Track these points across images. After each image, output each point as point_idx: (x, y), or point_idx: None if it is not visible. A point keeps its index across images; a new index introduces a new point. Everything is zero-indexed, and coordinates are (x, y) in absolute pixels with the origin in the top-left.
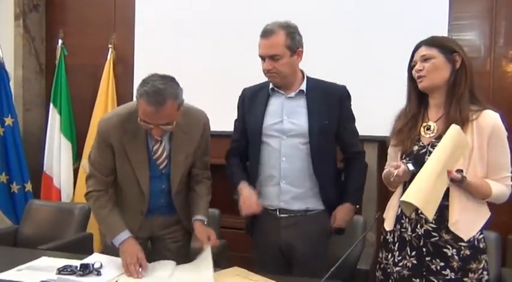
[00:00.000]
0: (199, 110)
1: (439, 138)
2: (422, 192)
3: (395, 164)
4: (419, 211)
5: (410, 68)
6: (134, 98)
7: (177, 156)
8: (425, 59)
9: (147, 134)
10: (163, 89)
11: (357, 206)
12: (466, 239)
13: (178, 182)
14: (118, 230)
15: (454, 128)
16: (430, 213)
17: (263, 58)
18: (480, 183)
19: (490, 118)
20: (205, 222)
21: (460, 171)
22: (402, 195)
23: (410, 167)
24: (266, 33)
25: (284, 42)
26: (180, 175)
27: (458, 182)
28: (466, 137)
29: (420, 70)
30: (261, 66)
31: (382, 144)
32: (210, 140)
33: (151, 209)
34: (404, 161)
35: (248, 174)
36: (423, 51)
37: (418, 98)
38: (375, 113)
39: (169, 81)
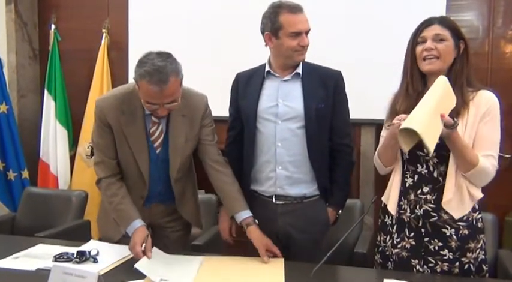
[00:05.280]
0: (199, 93)
1: None
2: (423, 122)
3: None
4: (419, 192)
5: (415, 44)
6: (130, 81)
7: (175, 140)
8: (440, 39)
9: (144, 116)
10: (164, 66)
11: (340, 211)
12: (457, 218)
13: (177, 167)
14: (132, 218)
15: (443, 78)
16: (430, 144)
17: (299, 34)
18: (468, 144)
19: (486, 97)
20: (251, 217)
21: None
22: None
23: None
24: (299, 8)
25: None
26: (179, 160)
27: (451, 126)
28: (453, 92)
29: (432, 49)
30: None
31: (379, 127)
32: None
33: (150, 197)
34: None
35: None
36: (438, 30)
37: (421, 77)
38: (372, 97)
39: (168, 58)
